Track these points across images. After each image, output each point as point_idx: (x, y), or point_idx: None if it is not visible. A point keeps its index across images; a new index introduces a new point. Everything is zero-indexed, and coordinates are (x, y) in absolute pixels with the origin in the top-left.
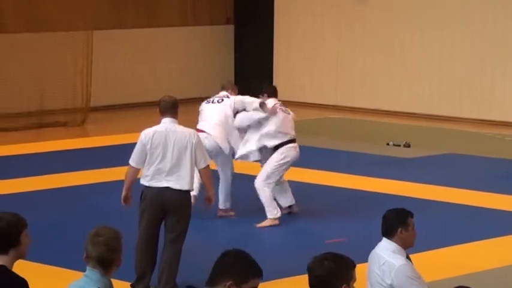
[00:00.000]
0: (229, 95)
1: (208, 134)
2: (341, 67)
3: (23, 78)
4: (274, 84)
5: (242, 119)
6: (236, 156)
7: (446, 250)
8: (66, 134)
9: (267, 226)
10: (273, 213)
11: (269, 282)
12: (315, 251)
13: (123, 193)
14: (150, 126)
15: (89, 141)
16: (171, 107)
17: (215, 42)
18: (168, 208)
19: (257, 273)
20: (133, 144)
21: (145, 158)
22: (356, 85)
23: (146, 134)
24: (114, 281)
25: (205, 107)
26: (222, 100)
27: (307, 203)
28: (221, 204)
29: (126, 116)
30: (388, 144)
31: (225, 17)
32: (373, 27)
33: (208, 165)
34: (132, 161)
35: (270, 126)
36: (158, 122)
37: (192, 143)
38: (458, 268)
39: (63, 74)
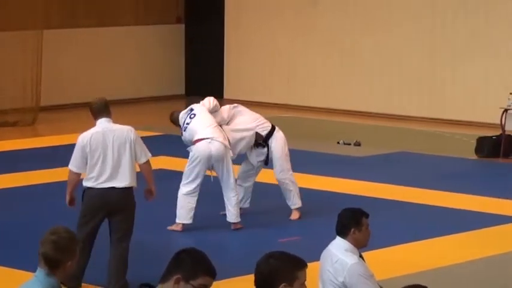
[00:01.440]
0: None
1: (211, 138)
2: (292, 66)
3: None
4: (225, 83)
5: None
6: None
7: (397, 248)
8: (17, 133)
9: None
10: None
11: (221, 281)
12: (268, 250)
13: (67, 197)
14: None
15: (40, 140)
16: (104, 108)
17: (166, 41)
18: (113, 208)
19: (208, 271)
20: None
21: (86, 162)
22: (307, 84)
23: (84, 137)
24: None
25: (190, 124)
26: (194, 115)
27: (259, 202)
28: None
29: (77, 116)
30: (338, 142)
31: (175, 16)
32: (325, 27)
33: (148, 160)
34: (71, 166)
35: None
36: (113, 120)
37: (131, 139)
38: (410, 266)
39: (13, 73)
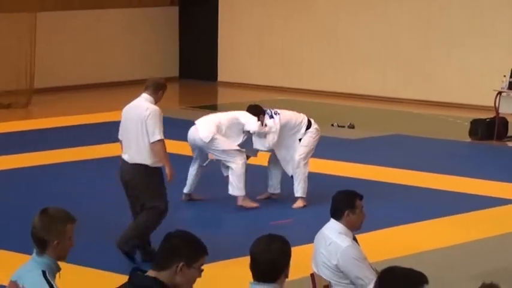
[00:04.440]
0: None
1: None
2: (286, 49)
3: None
4: (219, 66)
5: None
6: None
7: (391, 230)
8: (10, 116)
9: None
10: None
11: (214, 263)
12: (260, 233)
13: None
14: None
15: (33, 123)
16: (150, 85)
17: (159, 23)
18: (125, 181)
19: (204, 250)
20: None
21: None
22: (301, 67)
23: (125, 107)
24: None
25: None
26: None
27: (253, 185)
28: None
29: (71, 98)
30: (332, 125)
31: None
32: (319, 9)
33: (159, 140)
34: (119, 133)
35: None
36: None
37: (144, 116)
38: (404, 248)
39: (6, 55)
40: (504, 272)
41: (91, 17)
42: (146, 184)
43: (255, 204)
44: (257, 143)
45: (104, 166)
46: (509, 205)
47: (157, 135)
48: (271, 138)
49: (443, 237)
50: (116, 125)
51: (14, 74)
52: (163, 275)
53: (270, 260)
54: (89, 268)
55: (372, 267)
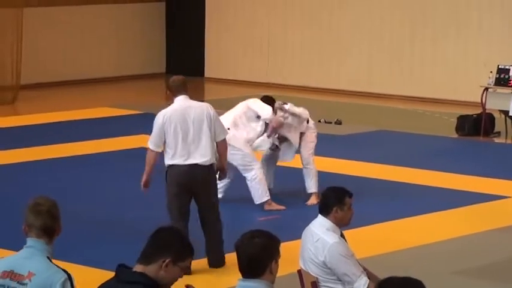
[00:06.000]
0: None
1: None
2: (272, 44)
3: None
4: (205, 62)
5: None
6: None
7: (378, 226)
8: None
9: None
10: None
11: (201, 259)
12: (248, 228)
13: (144, 178)
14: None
15: (20, 119)
16: (182, 85)
17: (146, 19)
18: (198, 184)
19: (192, 252)
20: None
21: (164, 140)
22: (287, 63)
23: (164, 114)
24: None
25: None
26: None
27: (240, 181)
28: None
29: (57, 94)
30: (319, 121)
31: None
32: (304, 5)
33: (225, 138)
34: (150, 144)
35: None
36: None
37: (210, 115)
38: (391, 244)
39: None
40: (492, 267)
41: (77, 13)
42: (215, 181)
43: (281, 207)
44: (287, 155)
45: (91, 162)
46: (496, 201)
47: (226, 132)
48: (294, 138)
49: (430, 233)
50: (101, 121)
51: (0, 70)
52: (149, 270)
53: (252, 255)
54: (73, 264)
55: (359, 263)
